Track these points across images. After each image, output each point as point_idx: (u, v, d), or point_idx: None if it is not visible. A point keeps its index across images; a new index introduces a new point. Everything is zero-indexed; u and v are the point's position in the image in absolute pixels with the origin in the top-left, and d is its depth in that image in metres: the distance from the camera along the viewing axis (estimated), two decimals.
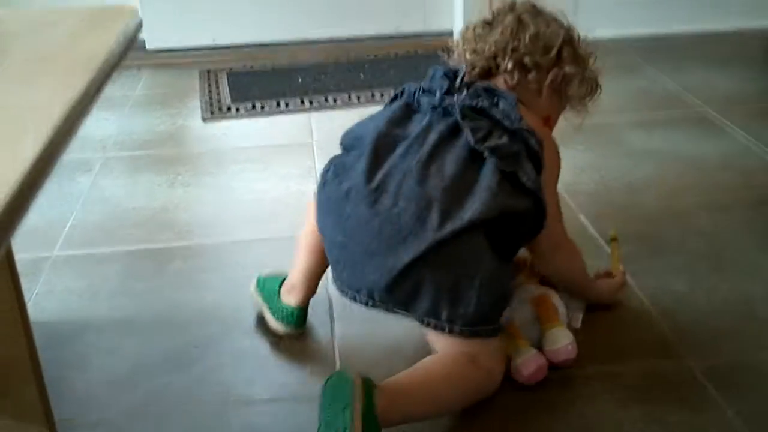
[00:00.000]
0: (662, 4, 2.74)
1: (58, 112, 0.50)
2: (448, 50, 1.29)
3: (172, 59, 2.64)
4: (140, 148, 2.01)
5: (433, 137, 1.09)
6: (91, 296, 1.40)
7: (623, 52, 2.59)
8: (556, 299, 1.22)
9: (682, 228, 1.55)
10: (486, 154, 1.05)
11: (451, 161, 1.06)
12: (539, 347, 1.16)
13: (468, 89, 1.14)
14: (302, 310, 1.25)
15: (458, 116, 1.09)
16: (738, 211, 1.61)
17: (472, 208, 1.02)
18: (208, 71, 2.54)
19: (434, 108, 1.12)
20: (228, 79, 2.45)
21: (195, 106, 2.27)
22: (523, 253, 1.21)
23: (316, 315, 1.30)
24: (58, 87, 0.54)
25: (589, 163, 1.83)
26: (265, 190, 1.76)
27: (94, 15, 0.75)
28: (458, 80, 1.16)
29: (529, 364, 1.13)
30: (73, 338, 1.28)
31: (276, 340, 1.26)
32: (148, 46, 2.65)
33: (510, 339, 1.15)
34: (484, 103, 1.12)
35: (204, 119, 2.17)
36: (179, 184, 1.80)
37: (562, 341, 1.16)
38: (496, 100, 1.13)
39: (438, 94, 1.13)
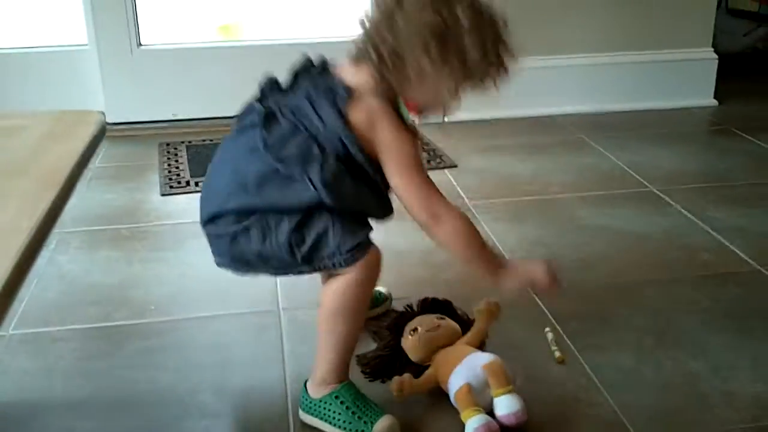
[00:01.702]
0: (605, 82, 2.87)
1: (27, 229, 0.52)
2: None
3: (131, 132, 2.67)
4: (98, 224, 2.02)
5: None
6: (46, 376, 1.39)
7: (569, 129, 2.70)
8: (506, 365, 1.26)
9: (629, 304, 1.60)
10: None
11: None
12: (491, 412, 1.21)
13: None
14: None
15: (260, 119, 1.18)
16: (683, 287, 1.67)
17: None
18: (167, 144, 2.57)
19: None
20: (187, 153, 2.48)
21: (154, 179, 2.29)
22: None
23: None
24: (26, 205, 0.57)
25: (540, 239, 1.89)
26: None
27: (60, 120, 0.78)
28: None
29: (481, 429, 1.17)
30: (27, 420, 1.27)
31: (232, 422, 1.27)
32: (107, 119, 2.68)
33: (464, 405, 1.20)
34: (295, 102, 1.17)
35: (162, 194, 2.20)
36: (137, 261, 1.82)
37: (513, 407, 1.21)
38: (313, 95, 1.17)
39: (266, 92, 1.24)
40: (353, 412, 1.20)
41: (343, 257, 1.15)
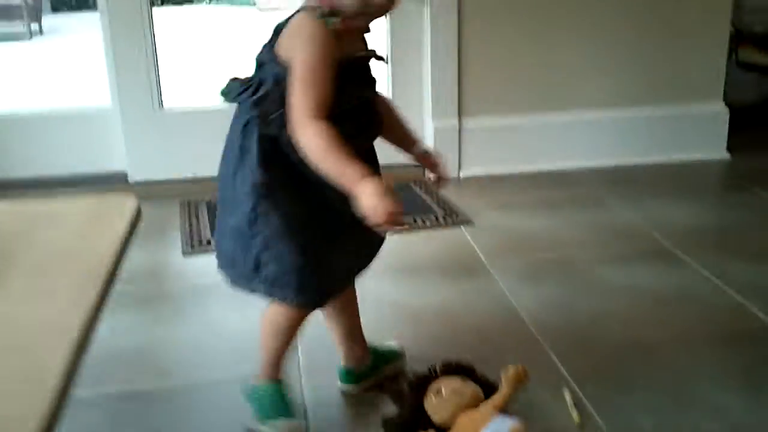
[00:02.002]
0: (618, 136, 2.91)
1: (76, 326, 0.56)
2: None
3: (153, 191, 2.72)
4: (121, 285, 2.05)
5: None
6: None
7: (584, 183, 2.73)
8: (529, 430, 1.27)
9: (646, 364, 1.61)
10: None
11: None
12: None
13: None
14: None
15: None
16: (700, 346, 1.68)
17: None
18: (188, 203, 2.62)
19: None
20: (208, 212, 2.53)
21: (175, 238, 2.34)
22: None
23: None
24: (73, 299, 0.60)
25: (558, 299, 1.91)
26: (247, 327, 1.80)
27: (98, 206, 0.82)
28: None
29: None
30: None
31: None
32: (130, 179, 2.74)
33: None
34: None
35: (184, 253, 2.24)
36: (160, 322, 1.85)
37: None
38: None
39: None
40: (269, 406, 1.37)
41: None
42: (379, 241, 1.42)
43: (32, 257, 0.71)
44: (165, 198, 2.68)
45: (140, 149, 2.72)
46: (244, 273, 1.31)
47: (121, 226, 0.75)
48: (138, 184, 2.72)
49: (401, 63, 2.81)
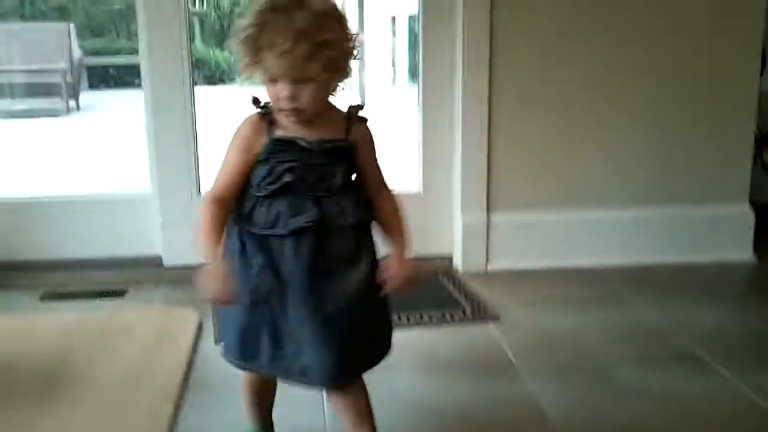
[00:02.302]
0: (643, 235, 2.95)
1: None
2: None
3: (188, 275, 2.77)
4: None
5: None
6: None
7: (610, 282, 2.76)
8: None
9: None
10: None
11: None
12: None
13: None
14: None
15: None
16: None
17: None
18: None
19: None
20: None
21: (207, 325, 2.38)
22: None
23: None
24: (146, 420, 0.65)
25: (581, 402, 1.92)
26: (285, 411, 1.81)
27: (162, 320, 0.88)
28: None
29: None
30: None
31: None
32: (165, 263, 2.81)
33: None
34: None
35: (216, 340, 2.27)
36: (192, 413, 1.87)
37: None
38: None
39: None
40: None
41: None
42: (334, 353, 1.45)
43: (107, 372, 0.76)
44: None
45: (176, 234, 2.80)
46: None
47: (187, 341, 0.80)
48: (172, 268, 2.78)
49: (431, 158, 2.89)
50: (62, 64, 7.11)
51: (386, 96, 5.82)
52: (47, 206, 2.88)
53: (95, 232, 2.83)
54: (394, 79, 5.71)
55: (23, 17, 7.93)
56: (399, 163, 4.40)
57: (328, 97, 1.42)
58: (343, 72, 1.40)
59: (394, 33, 5.54)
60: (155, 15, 2.69)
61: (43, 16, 8.09)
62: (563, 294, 2.65)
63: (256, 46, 1.33)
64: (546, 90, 2.82)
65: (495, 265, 2.87)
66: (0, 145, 6.30)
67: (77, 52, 7.44)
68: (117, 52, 7.89)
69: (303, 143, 1.41)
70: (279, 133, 1.42)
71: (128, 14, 8.31)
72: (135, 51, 2.83)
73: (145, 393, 0.71)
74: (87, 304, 2.58)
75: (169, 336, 0.83)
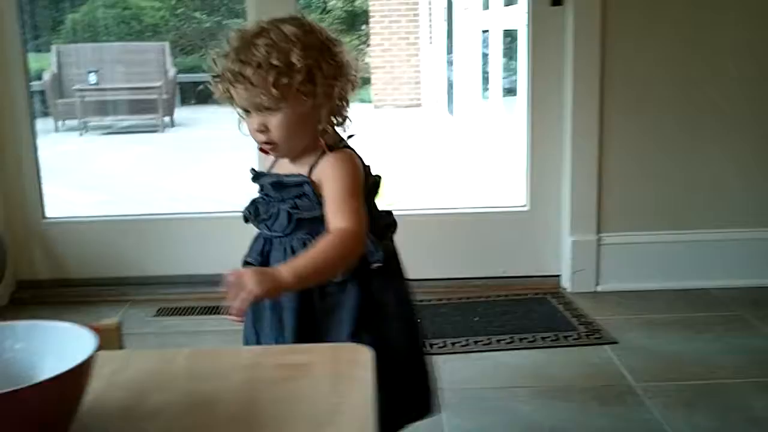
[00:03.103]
0: (762, 256, 2.82)
1: None
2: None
3: None
4: None
5: None
6: None
7: (727, 304, 2.65)
8: None
9: None
10: None
11: None
12: None
13: None
14: None
15: None
16: None
17: None
18: None
19: None
20: None
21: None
22: None
23: None
24: None
25: (716, 431, 1.85)
26: None
27: (336, 356, 0.87)
28: None
29: None
30: None
31: None
32: None
33: None
34: None
35: None
36: None
37: None
38: None
39: None
40: None
41: None
42: None
43: (297, 412, 0.76)
44: None
45: None
46: None
47: (367, 377, 0.80)
48: None
49: (538, 173, 2.84)
50: (159, 82, 7.33)
51: (477, 111, 5.79)
52: (161, 223, 2.96)
53: (208, 249, 2.88)
54: (485, 93, 5.67)
55: (122, 37, 8.23)
56: (498, 177, 4.39)
57: (310, 130, 1.31)
58: (328, 101, 1.30)
59: (486, 46, 5.50)
60: None
61: (138, 36, 8.38)
62: (681, 317, 2.57)
63: (224, 78, 1.29)
64: (660, 105, 2.74)
65: (605, 286, 2.81)
66: (106, 161, 6.54)
67: (172, 70, 7.66)
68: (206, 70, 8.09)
69: (267, 179, 1.37)
70: (272, 166, 1.41)
71: (217, 32, 8.54)
72: None
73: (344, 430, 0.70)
74: (201, 320, 2.63)
75: (347, 372, 0.83)
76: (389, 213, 1.46)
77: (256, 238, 1.40)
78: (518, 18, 4.50)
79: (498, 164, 4.89)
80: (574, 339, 2.39)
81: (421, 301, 2.67)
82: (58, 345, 0.74)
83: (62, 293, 2.78)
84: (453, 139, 6.64)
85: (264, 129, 1.30)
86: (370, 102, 10.56)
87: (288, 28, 1.29)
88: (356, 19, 11.51)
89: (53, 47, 7.54)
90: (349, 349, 0.89)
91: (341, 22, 11.47)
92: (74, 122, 7.59)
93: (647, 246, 2.80)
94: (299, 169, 1.34)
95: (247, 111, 1.32)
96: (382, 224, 1.41)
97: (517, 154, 3.00)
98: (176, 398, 0.81)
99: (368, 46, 10.90)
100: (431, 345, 2.34)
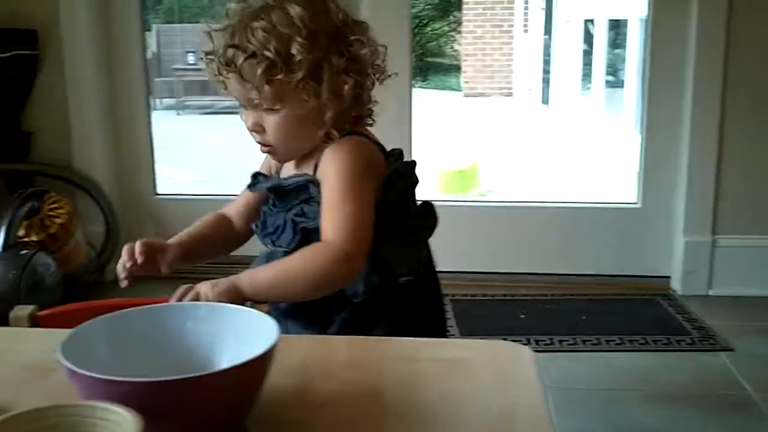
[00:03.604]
0: None
1: None
2: None
3: None
4: None
5: None
6: None
7: None
8: None
9: None
10: None
11: None
12: None
13: None
14: None
15: None
16: None
17: None
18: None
19: None
20: (452, 308, 2.56)
21: None
22: None
23: None
24: None
25: None
26: None
27: (495, 353, 0.85)
28: None
29: None
30: None
31: None
32: None
33: None
34: None
35: None
36: None
37: None
38: None
39: None
40: None
41: None
42: None
43: (471, 410, 0.74)
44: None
45: None
46: None
47: (532, 376, 0.77)
48: None
49: (652, 170, 2.75)
50: None
51: (575, 103, 5.66)
52: None
53: None
54: (585, 84, 5.54)
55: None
56: (596, 172, 4.28)
57: (314, 133, 1.10)
58: (337, 101, 1.08)
59: (590, 36, 5.37)
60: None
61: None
62: None
63: (216, 58, 1.09)
64: None
65: (718, 290, 2.70)
66: (203, 141, 6.67)
67: None
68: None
69: (265, 184, 1.17)
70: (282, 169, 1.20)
71: None
72: None
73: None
74: None
75: (510, 371, 0.80)
76: (427, 209, 1.19)
77: (261, 257, 1.18)
78: (628, 7, 4.37)
79: (597, 159, 4.78)
80: (687, 344, 2.31)
81: (524, 295, 2.67)
82: (237, 329, 0.73)
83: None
84: (548, 131, 6.52)
85: (259, 129, 1.10)
86: (459, 90, 10.48)
87: (295, 9, 1.06)
88: (449, 5, 11.42)
89: (153, 27, 7.73)
90: (507, 346, 0.87)
91: (433, 8, 11.39)
92: (171, 101, 7.78)
93: (764, 250, 2.68)
94: (305, 168, 1.14)
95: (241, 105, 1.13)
96: (413, 225, 1.16)
97: (621, 148, 2.91)
98: (340, 387, 0.80)
99: (459, 33, 10.81)
100: (537, 342, 2.30)
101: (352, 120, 1.13)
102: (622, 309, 2.58)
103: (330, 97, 1.07)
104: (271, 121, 1.09)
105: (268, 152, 1.15)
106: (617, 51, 4.98)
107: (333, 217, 1.04)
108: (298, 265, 1.03)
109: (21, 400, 0.77)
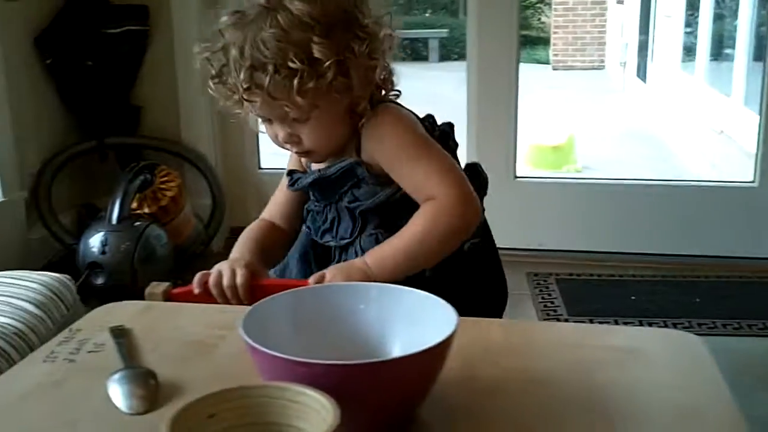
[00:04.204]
0: None
1: None
2: None
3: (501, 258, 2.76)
4: None
5: None
6: None
7: None
8: None
9: None
10: None
11: None
12: None
13: None
14: None
15: None
16: None
17: None
18: (535, 275, 2.62)
19: None
20: (558, 287, 2.51)
21: (529, 313, 2.34)
22: None
23: None
24: None
25: None
26: None
27: (666, 342, 0.81)
28: None
29: None
30: None
31: None
32: None
33: None
34: None
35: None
36: None
37: None
38: None
39: None
40: None
41: None
42: None
43: (654, 400, 0.71)
44: (512, 266, 2.69)
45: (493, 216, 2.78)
46: None
47: (714, 371, 0.73)
48: None
49: None
50: None
51: (676, 78, 5.46)
52: None
53: None
54: (686, 57, 5.33)
55: None
56: (708, 149, 4.10)
57: (352, 121, 1.06)
58: (369, 86, 1.03)
59: (693, 6, 5.15)
60: None
61: None
62: None
63: (227, 84, 1.02)
64: None
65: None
66: None
67: None
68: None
69: (306, 179, 1.12)
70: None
71: None
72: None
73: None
74: None
75: (687, 362, 0.76)
76: (475, 170, 1.16)
77: (305, 257, 1.17)
78: None
79: (702, 136, 4.60)
80: None
81: (634, 276, 2.59)
82: (409, 311, 0.72)
83: None
84: (646, 105, 6.32)
85: (295, 140, 1.05)
86: (547, 63, 10.25)
87: (297, 5, 0.97)
88: None
89: None
90: (676, 335, 0.83)
91: None
92: None
93: None
94: (344, 153, 1.09)
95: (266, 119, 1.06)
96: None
97: (729, 125, 2.78)
98: (505, 374, 0.78)
99: (547, 5, 10.55)
100: (650, 324, 2.24)
101: (378, 94, 1.08)
102: (739, 292, 2.47)
103: (362, 85, 1.02)
104: (305, 129, 1.03)
105: (306, 156, 1.11)
106: (722, 22, 4.77)
107: (419, 176, 1.02)
108: (423, 232, 1.00)
109: (187, 377, 0.77)
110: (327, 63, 0.97)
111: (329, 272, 1.00)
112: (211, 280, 1.02)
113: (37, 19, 2.60)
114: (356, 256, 1.06)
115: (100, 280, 2.36)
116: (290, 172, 1.15)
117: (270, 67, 0.96)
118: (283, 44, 0.96)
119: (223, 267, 1.03)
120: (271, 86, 0.97)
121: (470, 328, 0.90)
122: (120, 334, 0.85)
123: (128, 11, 2.69)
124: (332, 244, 1.11)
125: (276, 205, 1.20)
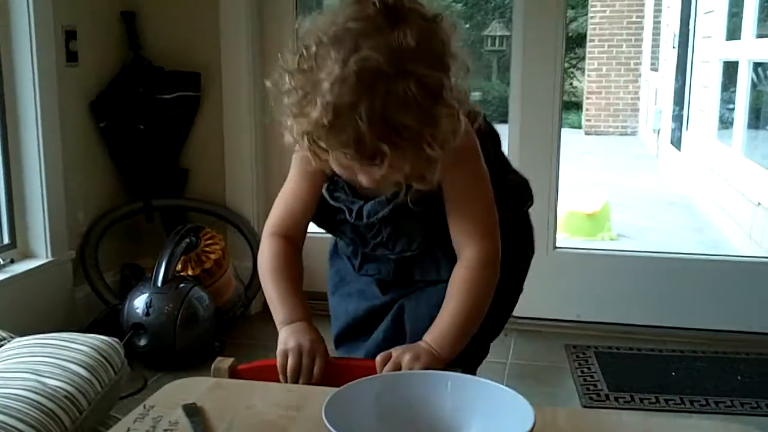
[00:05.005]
0: None
1: None
2: None
3: (536, 327, 2.76)
4: None
5: None
6: None
7: None
8: None
9: None
10: None
11: None
12: None
13: None
14: None
15: None
16: None
17: None
18: (574, 347, 2.62)
19: None
20: (597, 361, 2.50)
21: (569, 386, 2.33)
22: None
23: None
24: None
25: None
26: None
27: None
28: None
29: None
30: None
31: None
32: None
33: None
34: None
35: (584, 405, 2.22)
36: None
37: None
38: None
39: None
40: None
41: None
42: None
43: None
44: (548, 337, 2.71)
45: (531, 286, 2.79)
46: None
47: None
48: (522, 318, 2.77)
49: None
50: None
51: (711, 148, 5.47)
52: None
53: None
54: (724, 126, 5.34)
55: None
56: (748, 221, 4.05)
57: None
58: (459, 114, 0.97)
59: (730, 80, 5.19)
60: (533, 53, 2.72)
61: None
62: None
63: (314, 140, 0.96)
64: None
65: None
66: None
67: None
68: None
69: (381, 208, 1.15)
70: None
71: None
72: None
73: None
74: None
75: None
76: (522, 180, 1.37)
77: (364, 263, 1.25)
78: None
79: (737, 207, 4.59)
80: None
81: (673, 351, 2.57)
82: (487, 405, 0.74)
83: None
84: (681, 173, 6.32)
85: (381, 181, 0.99)
86: (578, 128, 10.30)
87: (423, 71, 0.90)
88: (570, 41, 11.29)
89: None
90: (735, 428, 0.84)
91: None
92: None
93: None
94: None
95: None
96: (512, 183, 1.33)
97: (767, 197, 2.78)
98: None
99: (578, 69, 10.64)
100: (691, 402, 2.22)
101: None
102: None
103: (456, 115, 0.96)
104: (384, 168, 0.96)
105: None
106: (760, 93, 4.80)
107: (469, 217, 1.11)
108: (473, 302, 1.10)
109: None
110: (445, 130, 0.94)
111: (396, 353, 1.03)
112: (289, 368, 1.05)
113: (95, 84, 2.70)
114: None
115: (142, 342, 2.40)
116: (348, 202, 1.16)
117: (406, 140, 0.91)
118: (421, 116, 0.90)
119: (295, 351, 1.05)
120: (395, 156, 0.92)
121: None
122: (193, 412, 0.88)
123: (181, 78, 2.78)
124: (392, 256, 1.20)
125: (290, 214, 1.21)
